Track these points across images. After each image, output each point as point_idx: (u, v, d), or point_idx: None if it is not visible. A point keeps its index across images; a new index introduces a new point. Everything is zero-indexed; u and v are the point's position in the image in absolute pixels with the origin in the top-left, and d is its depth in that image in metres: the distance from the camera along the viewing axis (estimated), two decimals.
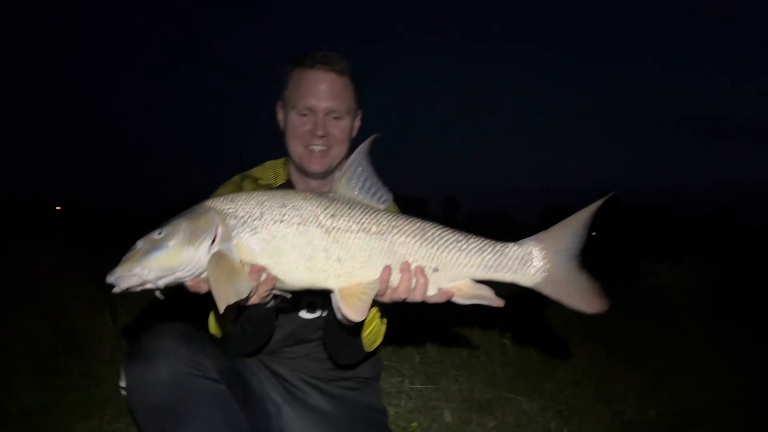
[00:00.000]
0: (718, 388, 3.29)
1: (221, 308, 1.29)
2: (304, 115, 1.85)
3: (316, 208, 1.42)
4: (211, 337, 1.87)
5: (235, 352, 1.91)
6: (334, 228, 1.41)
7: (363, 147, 1.48)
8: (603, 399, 3.08)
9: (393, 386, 3.06)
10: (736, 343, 4.26)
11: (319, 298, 1.90)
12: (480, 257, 1.43)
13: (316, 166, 1.88)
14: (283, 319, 1.96)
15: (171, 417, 1.61)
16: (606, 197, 1.45)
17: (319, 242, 1.40)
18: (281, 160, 2.07)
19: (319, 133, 1.84)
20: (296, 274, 1.41)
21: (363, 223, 1.42)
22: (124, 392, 1.67)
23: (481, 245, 1.44)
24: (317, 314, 1.96)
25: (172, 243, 1.34)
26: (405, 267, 1.41)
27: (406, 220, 1.45)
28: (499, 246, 1.44)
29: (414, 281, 1.42)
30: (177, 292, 1.46)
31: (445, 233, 1.45)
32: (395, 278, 1.42)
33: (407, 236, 1.43)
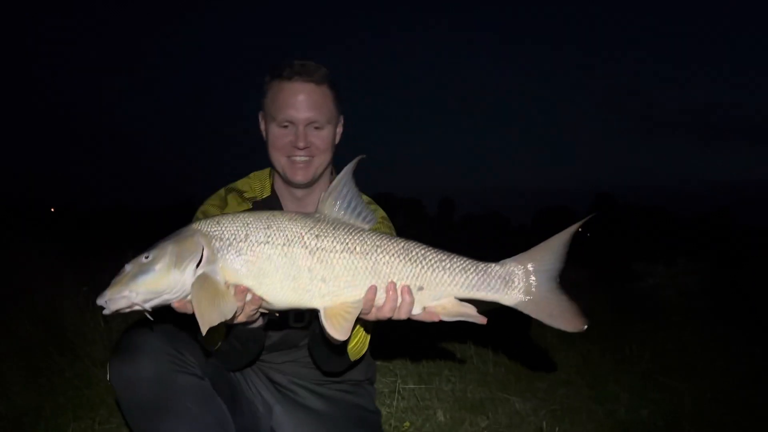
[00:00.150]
0: (711, 388, 3.30)
1: (203, 331, 1.32)
2: (285, 126, 1.87)
3: (301, 229, 1.44)
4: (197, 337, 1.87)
5: (226, 366, 1.92)
6: (318, 248, 1.43)
7: (348, 168, 1.50)
8: (596, 398, 3.09)
9: (386, 386, 3.07)
10: (729, 343, 4.29)
11: (308, 309, 1.90)
12: (463, 276, 1.47)
13: (299, 177, 1.90)
14: (271, 327, 1.96)
15: (155, 412, 1.63)
16: (585, 219, 1.51)
17: (303, 263, 1.42)
18: (266, 171, 2.08)
19: (300, 144, 1.85)
20: (281, 295, 1.43)
21: (347, 244, 1.45)
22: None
23: (465, 265, 1.48)
24: (305, 322, 1.96)
25: (158, 266, 1.36)
26: (390, 286, 1.44)
27: (391, 240, 1.48)
28: (481, 266, 1.48)
29: (399, 300, 1.45)
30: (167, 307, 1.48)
31: (429, 253, 1.48)
32: (380, 297, 1.45)
33: (392, 256, 1.45)
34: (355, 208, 1.51)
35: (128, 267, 1.39)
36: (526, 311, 1.49)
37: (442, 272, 1.46)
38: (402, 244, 1.47)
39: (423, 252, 1.47)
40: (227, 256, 1.41)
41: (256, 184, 2.06)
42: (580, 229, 1.55)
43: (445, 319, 1.49)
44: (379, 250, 1.45)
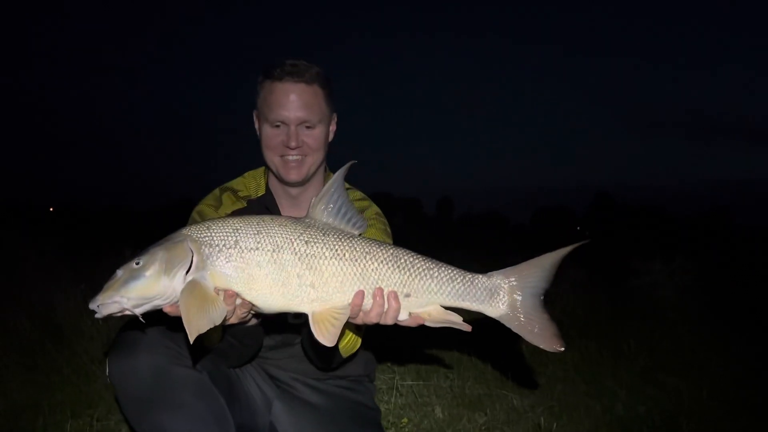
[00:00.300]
0: (708, 385, 3.31)
1: (191, 338, 1.33)
2: (277, 126, 1.89)
3: (291, 234, 1.45)
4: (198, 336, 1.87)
5: (225, 363, 1.92)
6: (307, 254, 1.44)
7: (339, 174, 1.51)
8: (594, 395, 3.10)
9: (384, 383, 3.08)
10: (726, 340, 4.31)
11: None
12: (450, 286, 1.49)
13: (292, 176, 1.92)
14: (269, 324, 1.97)
15: (152, 405, 1.64)
16: (577, 244, 1.52)
17: (292, 269, 1.43)
18: (261, 170, 2.11)
19: (292, 144, 1.87)
20: (270, 300, 1.45)
21: (336, 250, 1.46)
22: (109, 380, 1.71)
23: (452, 274, 1.50)
24: (303, 319, 1.96)
25: (148, 273, 1.37)
26: (378, 292, 1.45)
27: (380, 246, 1.49)
28: (468, 276, 1.50)
29: (386, 306, 1.46)
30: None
31: (417, 261, 1.49)
32: (368, 303, 1.46)
33: (380, 263, 1.47)
34: (345, 213, 1.52)
35: (119, 272, 1.40)
36: (507, 325, 1.52)
37: (429, 280, 1.48)
38: (391, 251, 1.49)
39: (411, 260, 1.49)
40: (217, 263, 1.42)
41: (250, 182, 2.08)
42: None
43: (430, 325, 1.52)
44: (368, 257, 1.46)
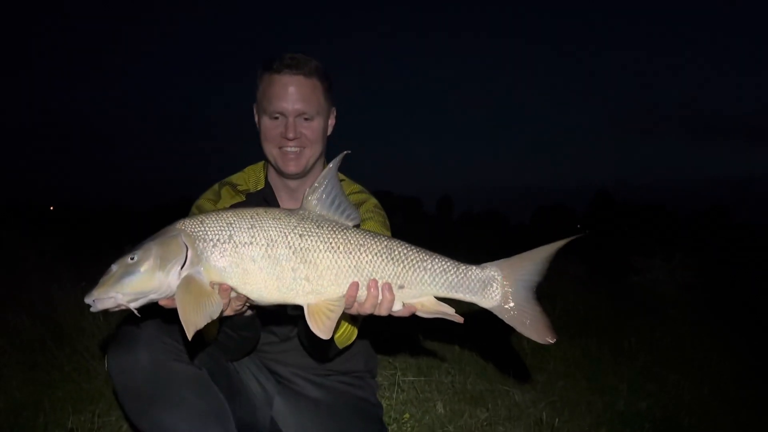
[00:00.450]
0: (708, 381, 3.33)
1: (189, 335, 1.33)
2: (276, 118, 1.91)
3: (285, 227, 1.45)
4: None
5: (224, 356, 1.93)
6: (302, 248, 1.44)
7: (332, 165, 1.52)
8: (595, 391, 3.11)
9: (385, 379, 3.08)
10: (725, 336, 4.32)
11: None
12: (443, 277, 1.49)
13: (291, 168, 1.93)
14: (270, 316, 1.98)
15: (151, 401, 1.65)
16: (572, 237, 1.52)
17: (287, 263, 1.43)
18: (260, 164, 2.12)
19: (290, 135, 1.88)
20: (265, 294, 1.45)
21: (331, 243, 1.46)
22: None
23: (445, 266, 1.50)
24: (302, 311, 1.96)
25: (143, 268, 1.38)
26: (372, 284, 1.46)
27: (374, 238, 1.49)
28: (462, 268, 1.51)
29: (380, 297, 1.47)
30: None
31: (410, 252, 1.50)
32: (362, 294, 1.47)
33: (374, 255, 1.47)
34: (339, 205, 1.52)
35: (114, 267, 1.40)
36: (500, 316, 1.52)
37: (423, 272, 1.48)
38: (385, 242, 1.49)
39: (405, 251, 1.49)
40: (211, 258, 1.42)
41: (250, 176, 2.09)
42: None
43: (423, 316, 1.52)
44: (362, 249, 1.47)
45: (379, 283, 1.46)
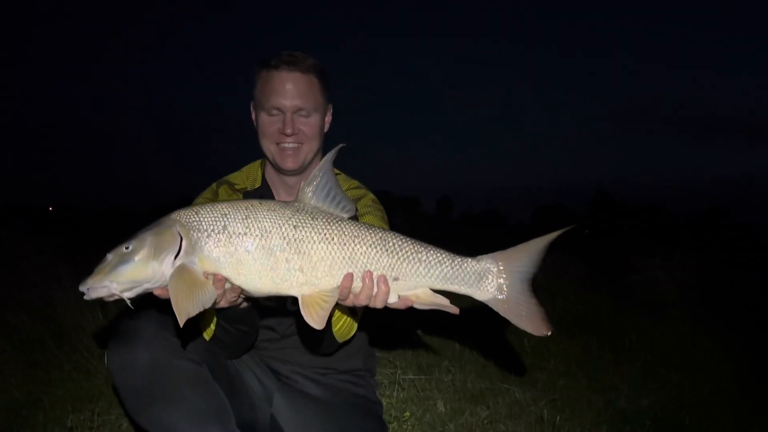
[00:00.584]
0: (710, 379, 3.32)
1: (181, 322, 1.34)
2: (273, 114, 1.92)
3: (279, 219, 1.45)
4: (193, 323, 1.87)
5: (223, 353, 1.92)
6: (296, 239, 1.44)
7: (328, 157, 1.52)
8: (596, 389, 3.11)
9: (386, 377, 3.07)
10: (726, 335, 4.31)
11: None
12: (438, 269, 1.49)
13: (289, 164, 1.94)
14: (270, 312, 1.99)
15: (151, 398, 1.64)
16: (565, 229, 1.52)
17: (281, 254, 1.43)
18: (258, 162, 2.13)
19: (288, 131, 1.89)
20: (259, 284, 1.45)
21: (325, 234, 1.46)
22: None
23: (440, 258, 1.49)
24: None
25: (137, 258, 1.38)
26: (367, 275, 1.46)
27: (368, 230, 1.49)
28: (457, 260, 1.50)
29: (375, 289, 1.47)
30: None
31: (405, 244, 1.49)
32: (357, 285, 1.47)
33: (368, 247, 1.47)
34: (334, 197, 1.52)
35: (109, 256, 1.41)
36: (495, 308, 1.52)
37: (418, 264, 1.48)
38: (379, 234, 1.49)
39: (400, 243, 1.49)
40: (205, 248, 1.42)
41: (247, 175, 2.10)
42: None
43: (419, 307, 1.52)
44: (356, 241, 1.46)
45: (374, 275, 1.46)
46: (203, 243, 1.42)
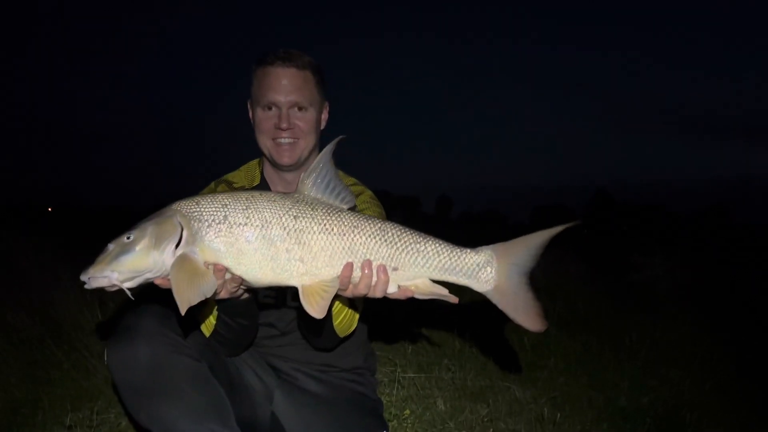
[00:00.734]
0: (710, 377, 3.32)
1: (182, 310, 1.34)
2: (269, 109, 1.93)
3: (279, 209, 1.46)
4: (193, 319, 1.87)
5: (224, 350, 1.92)
6: (296, 229, 1.45)
7: (327, 149, 1.53)
8: (596, 387, 3.10)
9: (385, 375, 3.07)
10: (725, 333, 4.31)
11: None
12: (437, 259, 1.50)
13: (285, 159, 1.94)
14: (270, 309, 1.99)
15: (150, 394, 1.64)
16: (567, 225, 1.52)
17: (281, 244, 1.44)
18: (256, 161, 2.14)
19: (284, 125, 1.90)
20: (259, 274, 1.46)
21: (325, 224, 1.47)
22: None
23: (439, 248, 1.50)
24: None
25: (139, 247, 1.39)
26: (366, 265, 1.47)
27: (367, 220, 1.50)
28: (456, 251, 1.51)
29: (374, 279, 1.48)
30: (152, 286, 1.50)
31: (404, 235, 1.50)
32: (356, 275, 1.48)
33: (368, 237, 1.48)
34: (334, 188, 1.53)
35: (111, 246, 1.41)
36: (492, 300, 1.52)
37: (417, 254, 1.49)
38: (379, 225, 1.50)
39: (399, 233, 1.50)
40: (206, 237, 1.43)
41: (246, 173, 2.11)
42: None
43: (419, 297, 1.53)
44: (355, 231, 1.47)
45: (374, 265, 1.47)
46: (204, 233, 1.43)
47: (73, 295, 3.82)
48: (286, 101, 1.90)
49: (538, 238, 1.51)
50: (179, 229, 1.43)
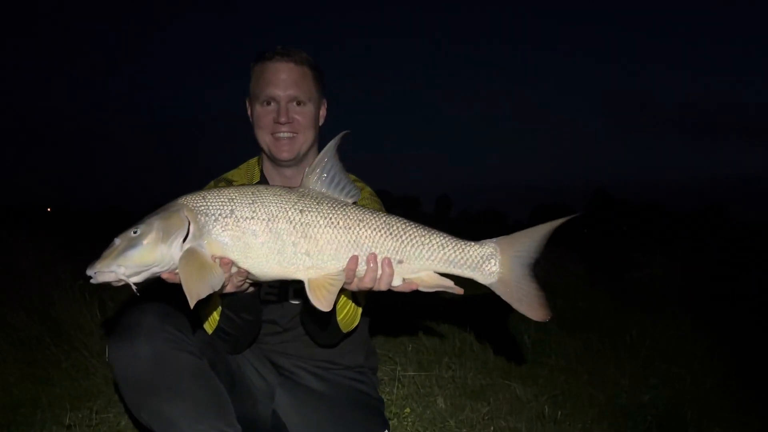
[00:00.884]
0: (711, 374, 3.32)
1: (192, 303, 1.35)
2: (268, 104, 1.93)
3: (285, 203, 1.48)
4: (195, 317, 1.86)
5: (226, 347, 1.91)
6: (302, 223, 1.47)
7: (332, 143, 1.54)
8: (597, 385, 3.09)
9: (386, 374, 3.06)
10: (725, 331, 4.31)
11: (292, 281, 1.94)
12: (441, 252, 1.51)
13: (284, 153, 1.94)
14: (272, 306, 1.98)
15: (151, 391, 1.63)
16: (568, 217, 1.54)
17: (288, 237, 1.46)
18: (255, 159, 2.13)
19: (283, 119, 1.90)
20: (266, 268, 1.47)
21: (331, 218, 1.48)
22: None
23: (444, 241, 1.52)
24: (302, 298, 1.96)
25: (146, 241, 1.39)
26: (371, 258, 1.48)
27: (372, 214, 1.52)
28: (460, 243, 1.53)
29: (380, 272, 1.49)
30: (157, 280, 1.50)
31: (409, 228, 1.52)
32: (362, 269, 1.49)
33: (373, 230, 1.49)
34: (339, 182, 1.54)
35: (117, 241, 1.41)
36: (497, 292, 1.54)
37: (421, 247, 1.50)
38: (384, 218, 1.51)
39: (404, 227, 1.51)
40: (213, 231, 1.44)
41: (245, 171, 2.11)
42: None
43: (423, 290, 1.54)
44: (361, 224, 1.49)
45: (379, 258, 1.48)
46: (211, 227, 1.44)
47: (72, 295, 3.81)
48: (285, 95, 1.91)
49: (540, 231, 1.53)
50: (186, 223, 1.43)
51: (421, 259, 1.51)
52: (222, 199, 1.47)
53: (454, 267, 1.52)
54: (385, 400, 2.64)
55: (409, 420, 2.58)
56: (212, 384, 1.73)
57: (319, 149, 2.06)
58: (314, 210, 1.48)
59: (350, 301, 1.82)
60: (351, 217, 1.49)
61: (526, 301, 1.53)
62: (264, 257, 1.45)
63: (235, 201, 1.47)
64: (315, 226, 1.47)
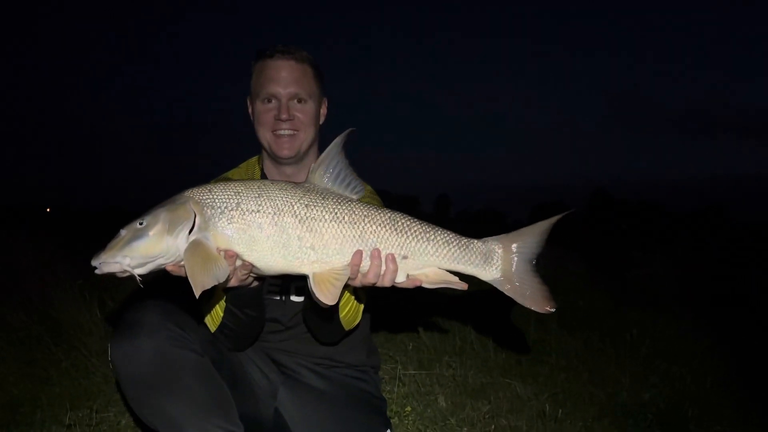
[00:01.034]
0: (711, 372, 3.31)
1: (197, 294, 1.36)
2: (269, 101, 1.93)
3: (291, 198, 1.49)
4: (197, 314, 1.87)
5: (228, 344, 1.91)
6: (307, 217, 1.48)
7: (338, 140, 1.55)
8: (597, 383, 3.09)
9: (386, 372, 3.06)
10: (725, 329, 4.31)
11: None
12: (446, 249, 1.54)
13: (285, 151, 1.94)
14: (274, 304, 1.98)
15: (153, 388, 1.63)
16: (565, 213, 1.58)
17: (293, 231, 1.47)
18: (255, 158, 2.14)
19: (284, 116, 1.91)
20: (271, 262, 1.48)
21: (336, 213, 1.50)
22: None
23: (448, 238, 1.54)
24: (303, 296, 1.96)
25: (152, 233, 1.40)
26: (376, 253, 1.49)
27: (378, 210, 1.53)
28: (464, 240, 1.55)
29: (384, 268, 1.50)
30: (160, 276, 1.51)
31: (414, 224, 1.54)
32: (366, 264, 1.50)
33: (378, 226, 1.51)
34: (344, 179, 1.56)
35: (123, 232, 1.42)
36: (501, 288, 1.56)
37: (426, 243, 1.52)
38: (389, 214, 1.53)
39: (408, 223, 1.53)
40: (219, 224, 1.45)
41: (246, 170, 2.11)
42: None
43: (427, 286, 1.56)
44: (366, 220, 1.50)
45: (383, 254, 1.49)
46: (217, 219, 1.45)
47: (71, 295, 3.80)
48: (286, 93, 1.91)
49: (540, 228, 1.56)
50: (192, 215, 1.44)
51: (426, 255, 1.52)
52: (228, 193, 1.48)
53: (458, 263, 1.54)
54: (386, 398, 2.64)
55: (410, 419, 2.58)
56: (214, 382, 1.73)
57: (320, 148, 2.06)
58: (320, 205, 1.49)
59: (352, 298, 1.83)
60: (356, 213, 1.50)
61: (531, 296, 1.55)
62: (269, 250, 1.46)
63: (241, 194, 1.48)
64: (320, 221, 1.48)
